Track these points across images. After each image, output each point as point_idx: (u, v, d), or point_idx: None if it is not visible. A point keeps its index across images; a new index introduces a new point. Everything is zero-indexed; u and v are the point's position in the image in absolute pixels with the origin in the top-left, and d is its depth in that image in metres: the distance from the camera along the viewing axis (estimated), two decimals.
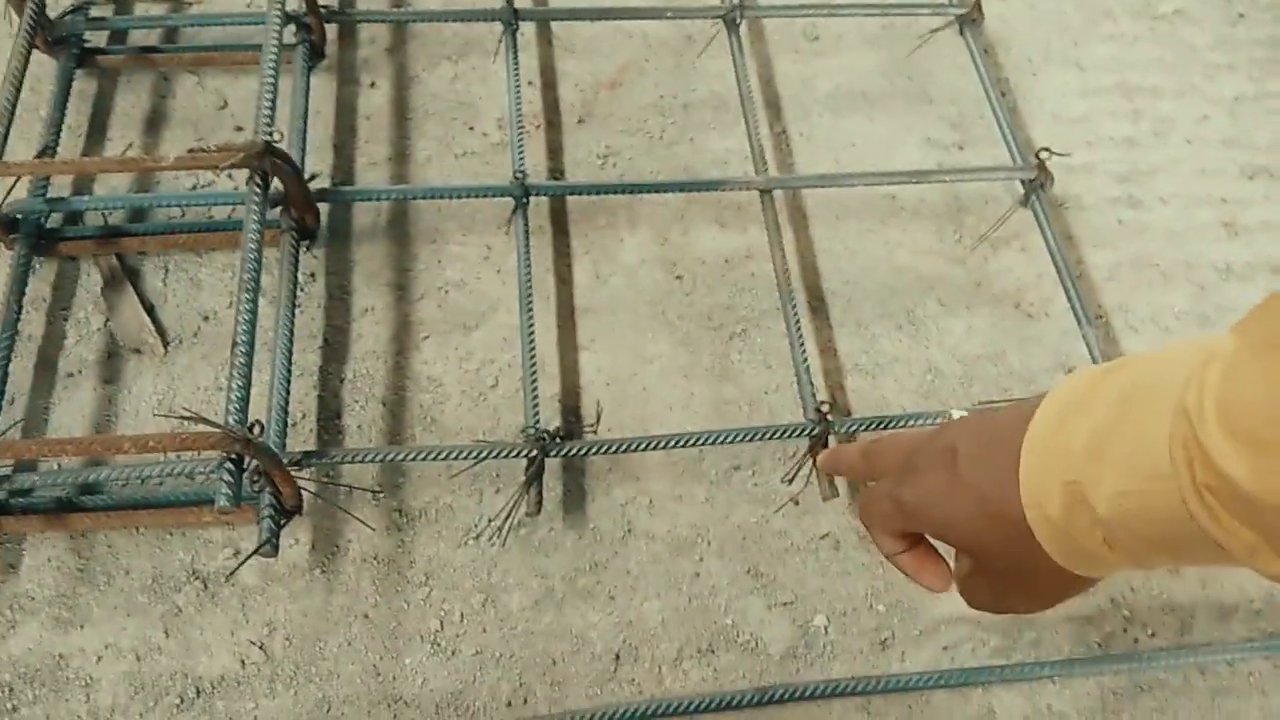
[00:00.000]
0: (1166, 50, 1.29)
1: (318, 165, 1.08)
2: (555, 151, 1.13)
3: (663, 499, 0.93)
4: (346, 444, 0.94)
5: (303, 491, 0.84)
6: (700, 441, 0.91)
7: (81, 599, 0.85)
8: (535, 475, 0.87)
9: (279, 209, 0.97)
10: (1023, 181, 1.11)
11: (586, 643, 0.87)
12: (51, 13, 1.07)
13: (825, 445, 0.91)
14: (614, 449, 0.90)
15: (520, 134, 1.05)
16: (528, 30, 1.22)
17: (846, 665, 0.87)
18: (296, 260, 0.98)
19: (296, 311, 0.95)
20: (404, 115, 1.14)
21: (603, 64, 1.20)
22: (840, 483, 0.92)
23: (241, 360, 0.80)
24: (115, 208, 1.03)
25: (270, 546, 0.79)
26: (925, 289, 1.07)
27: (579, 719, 0.82)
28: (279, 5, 1.01)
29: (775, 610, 0.89)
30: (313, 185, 0.98)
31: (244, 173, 0.90)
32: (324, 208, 1.04)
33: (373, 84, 1.16)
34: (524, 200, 1.02)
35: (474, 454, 0.88)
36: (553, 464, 0.93)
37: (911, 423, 0.94)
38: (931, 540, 0.55)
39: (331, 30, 1.15)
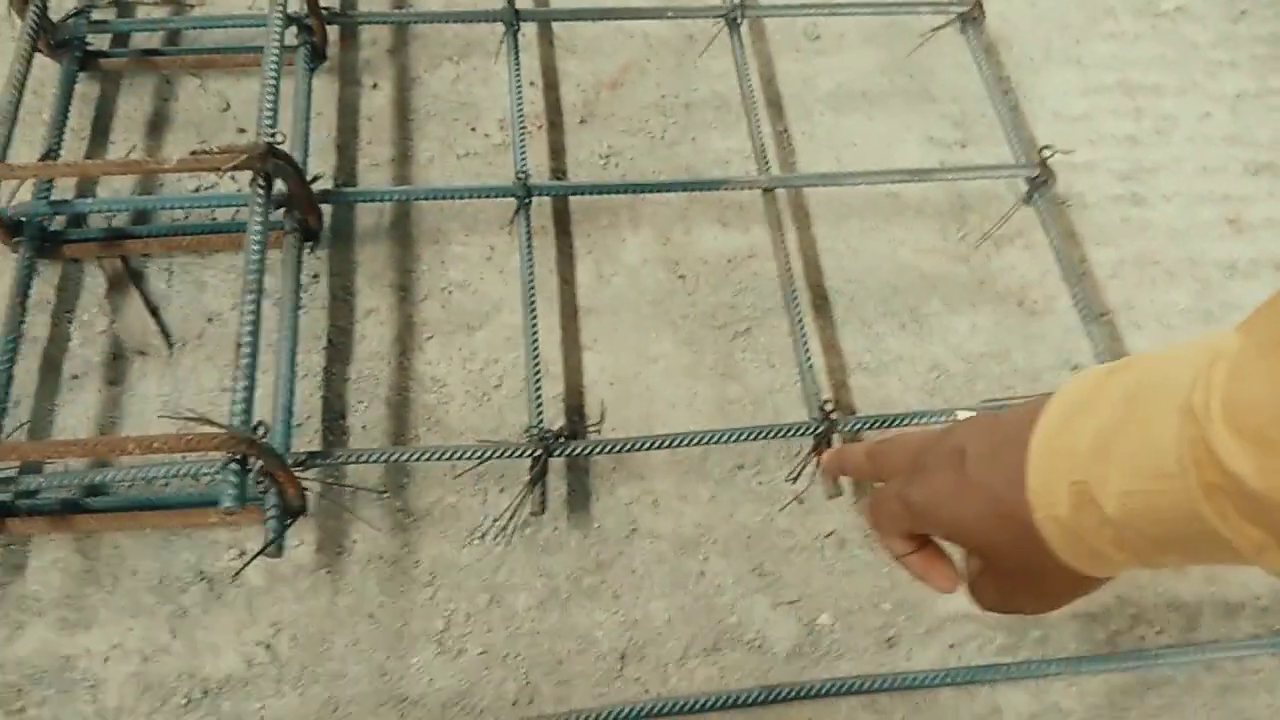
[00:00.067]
0: (1168, 48, 1.29)
1: (320, 167, 1.08)
2: (557, 152, 1.13)
3: (667, 498, 0.93)
4: (351, 445, 0.94)
5: (307, 492, 0.84)
6: (704, 440, 0.91)
7: (88, 600, 0.85)
8: (539, 475, 0.87)
9: (282, 210, 0.97)
10: (1025, 179, 1.11)
11: (592, 642, 0.87)
12: (54, 16, 1.07)
13: (829, 444, 0.91)
14: (618, 448, 0.90)
15: (522, 134, 1.05)
16: (529, 31, 1.22)
17: (852, 664, 0.87)
18: (300, 261, 0.98)
19: (300, 313, 0.95)
20: (406, 116, 1.14)
21: (604, 64, 1.20)
22: (844, 481, 0.92)
23: (246, 361, 0.80)
24: (119, 210, 1.03)
25: (276, 547, 0.79)
26: (929, 287, 1.07)
27: (585, 718, 0.82)
28: (280, 7, 1.02)
29: (780, 609, 0.89)
30: (315, 187, 0.98)
31: (247, 174, 0.90)
32: (327, 209, 1.04)
33: (375, 85, 1.16)
34: (526, 200, 1.02)
35: (478, 454, 0.88)
36: (557, 464, 0.93)
37: (916, 421, 0.94)
38: (940, 541, 0.55)
39: (333, 32, 1.16)
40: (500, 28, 1.14)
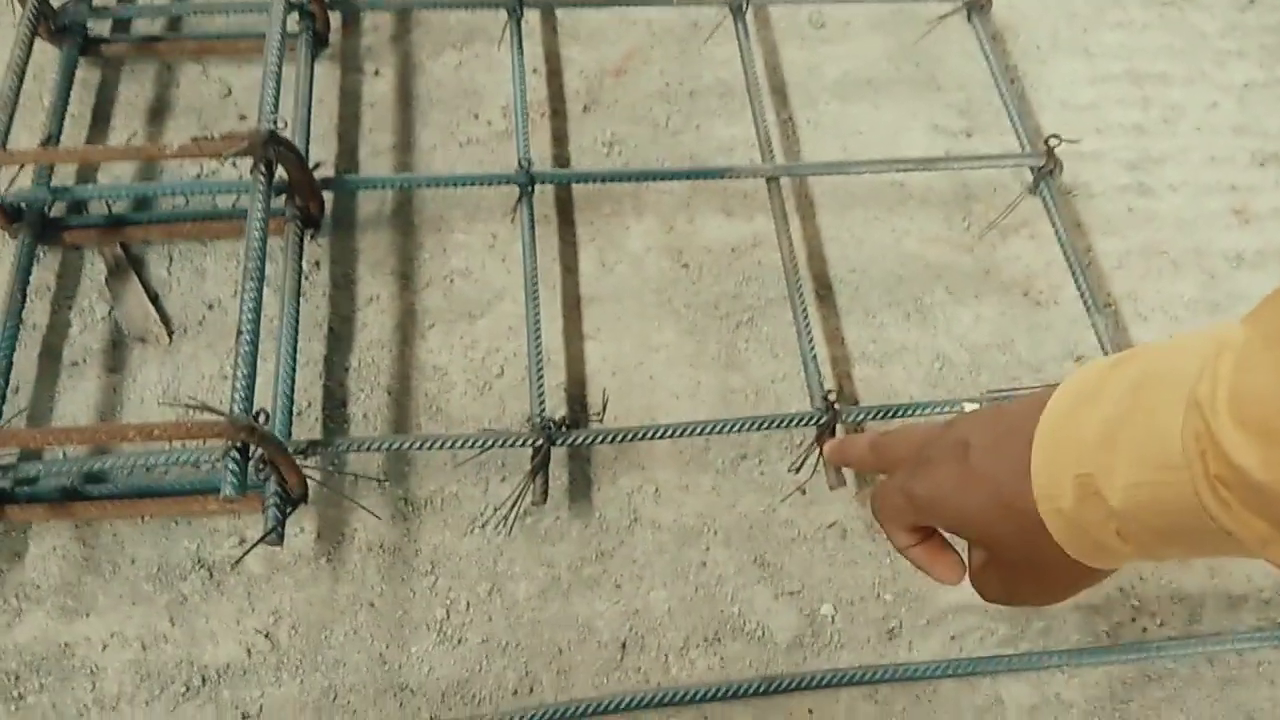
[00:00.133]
0: (1176, 37, 1.28)
1: (322, 153, 1.07)
2: (560, 139, 1.13)
3: (669, 488, 0.93)
4: (352, 433, 0.94)
5: (308, 480, 0.84)
6: (707, 430, 0.91)
7: (87, 587, 0.85)
8: (541, 464, 0.87)
9: (283, 197, 0.97)
10: (1031, 169, 1.10)
11: (593, 631, 0.86)
12: (55, 1, 1.07)
13: (832, 434, 0.90)
14: (620, 438, 0.90)
15: (525, 122, 1.05)
16: (532, 17, 1.21)
17: (854, 654, 0.87)
18: (301, 249, 0.97)
19: (301, 300, 0.95)
20: (408, 103, 1.13)
21: (608, 51, 1.20)
22: (847, 472, 0.91)
23: (246, 349, 0.80)
24: (119, 196, 1.02)
25: (276, 535, 0.79)
26: (933, 277, 1.07)
27: (585, 708, 0.82)
28: None
29: (782, 599, 0.89)
30: (317, 173, 0.97)
31: (248, 161, 0.89)
32: (328, 196, 1.03)
33: (377, 72, 1.16)
34: (529, 188, 1.01)
35: (480, 442, 0.88)
36: (558, 453, 0.92)
37: (919, 412, 0.93)
38: (944, 533, 0.55)
39: (335, 18, 1.15)
40: (503, 14, 1.14)
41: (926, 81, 1.21)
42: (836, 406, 0.90)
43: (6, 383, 0.88)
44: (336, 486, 0.91)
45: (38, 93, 1.09)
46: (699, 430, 0.90)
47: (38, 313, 0.97)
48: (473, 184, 1.03)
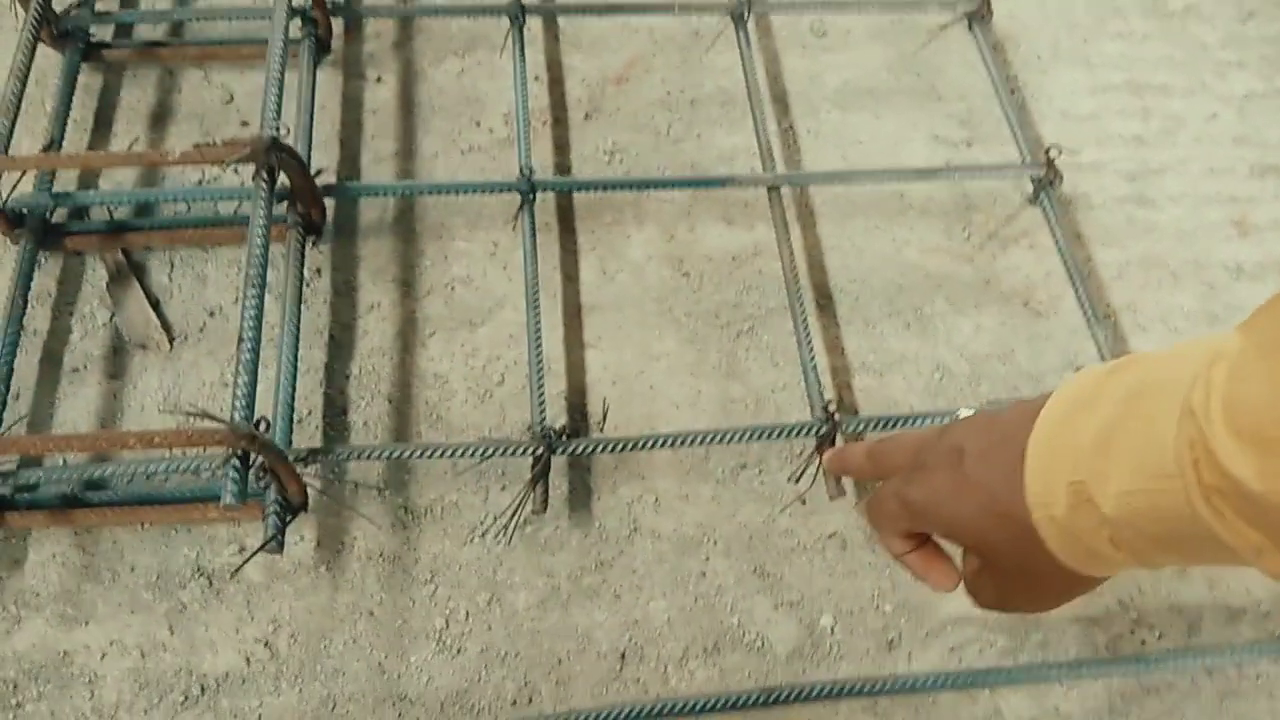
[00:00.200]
0: (1176, 48, 1.28)
1: (324, 160, 1.07)
2: (562, 147, 1.13)
3: (669, 497, 0.93)
4: (352, 441, 0.94)
5: (308, 488, 0.84)
6: (707, 440, 0.91)
7: (86, 595, 0.85)
8: (541, 473, 0.87)
9: (285, 204, 0.97)
10: (1032, 179, 1.11)
11: (592, 642, 0.86)
12: (57, 6, 1.07)
13: (832, 444, 0.91)
14: (620, 447, 0.90)
15: (527, 130, 1.05)
16: (534, 25, 1.21)
17: (853, 666, 0.87)
18: (303, 256, 0.97)
19: (302, 307, 0.95)
20: (410, 110, 1.14)
21: (610, 59, 1.20)
22: (847, 482, 0.92)
23: (247, 356, 0.80)
24: (121, 202, 1.02)
25: (276, 543, 0.79)
26: (933, 287, 1.07)
27: (584, 718, 0.82)
28: None
29: (782, 610, 0.89)
30: (319, 180, 0.97)
31: (250, 168, 0.89)
32: (330, 203, 1.03)
33: (379, 79, 1.16)
34: (530, 196, 1.01)
35: (480, 451, 0.88)
36: (558, 462, 0.92)
37: (919, 422, 0.93)
38: (939, 539, 0.55)
39: (337, 25, 1.15)
40: (505, 22, 1.14)
41: (927, 91, 1.21)
42: (836, 416, 0.90)
43: (7, 389, 0.88)
44: (336, 495, 0.90)
45: (40, 98, 1.09)
46: (699, 440, 0.90)
47: (39, 319, 0.97)
48: (474, 191, 1.04)
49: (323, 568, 0.88)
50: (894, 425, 0.93)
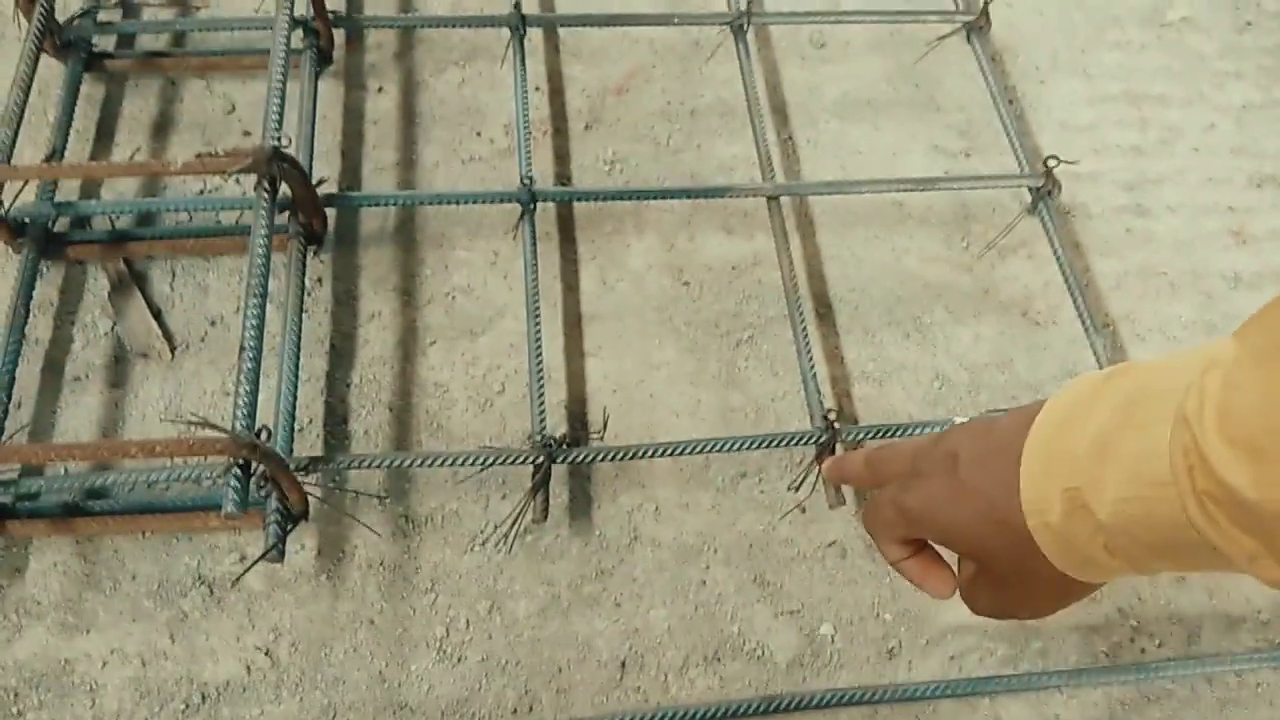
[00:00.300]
0: (1174, 58, 1.29)
1: (325, 170, 1.08)
2: (562, 157, 1.13)
3: (669, 506, 0.93)
4: (353, 449, 0.94)
5: (309, 497, 0.84)
6: (707, 449, 0.91)
7: (87, 604, 0.85)
8: (541, 482, 0.87)
9: (287, 214, 0.97)
10: (1030, 189, 1.11)
11: (592, 650, 0.87)
12: (60, 17, 1.07)
13: (832, 453, 0.91)
14: (620, 456, 0.90)
15: (527, 140, 1.05)
16: (535, 36, 1.22)
17: (853, 674, 0.87)
18: (304, 265, 0.98)
19: (304, 317, 0.95)
20: (411, 121, 1.14)
21: (610, 70, 1.20)
22: (847, 490, 0.92)
23: (249, 365, 0.80)
24: (123, 212, 1.03)
25: (277, 552, 0.79)
26: (932, 296, 1.07)
27: None
28: (287, 10, 1.01)
29: (782, 618, 0.89)
30: (320, 190, 0.98)
31: (252, 177, 0.90)
32: (331, 213, 1.04)
33: (380, 89, 1.16)
34: (531, 206, 1.01)
35: (480, 460, 0.88)
36: (559, 470, 0.93)
37: (919, 431, 0.93)
38: (936, 546, 0.55)
39: (339, 35, 1.16)
40: (506, 33, 1.14)
41: (926, 102, 1.22)
42: (836, 425, 0.91)
43: (9, 398, 0.89)
44: (337, 503, 0.91)
45: (42, 108, 1.09)
46: (699, 448, 0.91)
47: (40, 328, 0.97)
48: (475, 201, 1.04)
49: (323, 576, 0.88)
50: (893, 434, 0.93)
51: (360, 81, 1.16)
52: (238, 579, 0.86)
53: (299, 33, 1.09)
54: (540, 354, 0.93)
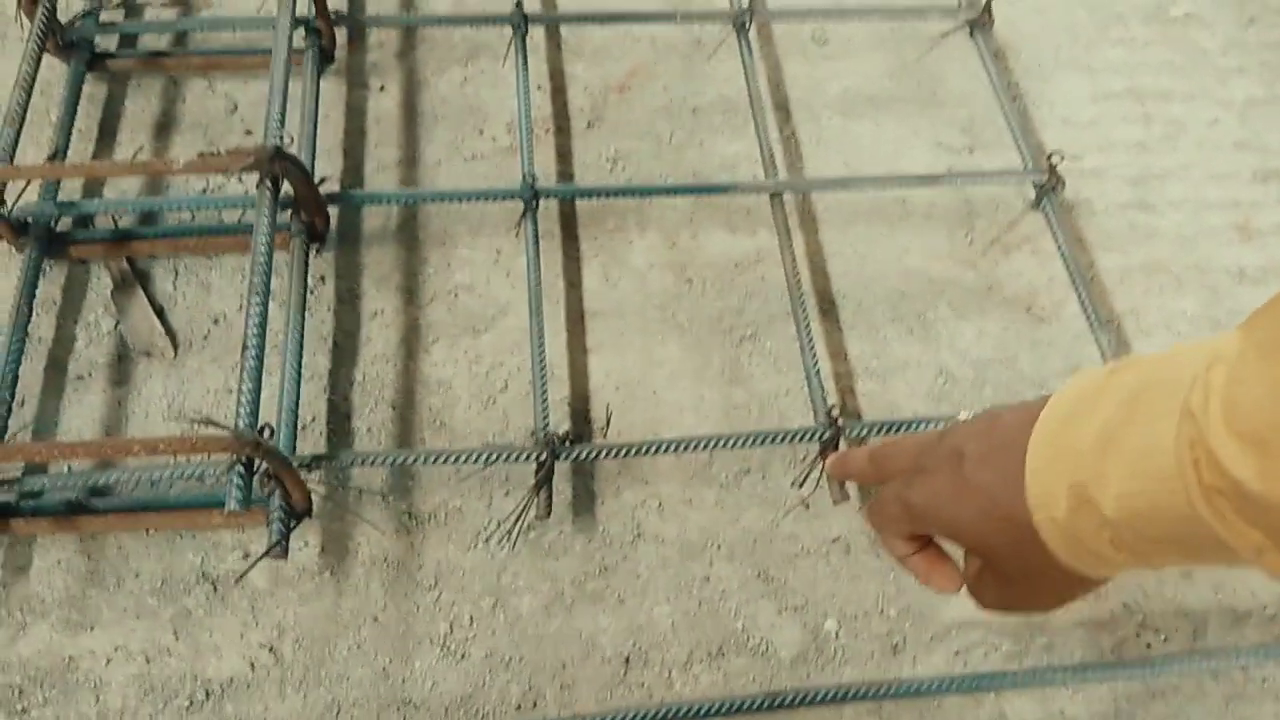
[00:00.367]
0: (1177, 54, 1.29)
1: (327, 169, 1.08)
2: (564, 155, 1.13)
3: (672, 502, 0.93)
4: (356, 447, 0.94)
5: (312, 494, 0.84)
6: (710, 445, 0.91)
7: (91, 601, 0.85)
8: (545, 479, 0.87)
9: (289, 212, 0.97)
10: (1034, 185, 1.11)
11: (596, 646, 0.86)
12: (62, 17, 1.07)
13: (836, 449, 0.91)
14: (623, 452, 0.90)
15: (529, 138, 1.05)
16: (537, 34, 1.22)
17: (857, 670, 0.87)
18: (306, 263, 0.98)
19: (306, 315, 0.95)
20: (413, 119, 1.14)
21: (612, 68, 1.20)
22: (850, 486, 0.92)
23: (252, 363, 0.80)
24: (126, 211, 1.03)
25: (280, 549, 0.79)
26: (936, 293, 1.07)
27: None
28: (289, 9, 1.02)
29: (786, 614, 0.89)
30: (322, 189, 0.98)
31: (254, 176, 0.90)
32: (334, 211, 1.04)
33: (382, 88, 1.16)
34: (533, 204, 1.01)
35: (483, 457, 0.88)
36: (562, 467, 0.93)
37: (922, 427, 0.93)
38: (941, 541, 0.55)
39: (341, 34, 1.16)
40: (508, 31, 1.15)
41: (929, 98, 1.21)
42: (839, 421, 0.91)
43: (12, 396, 0.89)
44: (340, 501, 0.91)
45: (45, 108, 1.09)
46: (702, 445, 0.91)
47: (43, 326, 0.98)
48: (477, 199, 1.04)
49: (327, 573, 0.88)
50: (897, 430, 0.93)
51: (362, 80, 1.17)
52: (241, 576, 0.86)
53: (301, 32, 1.09)
54: (543, 351, 0.93)
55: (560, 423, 0.96)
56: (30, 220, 0.98)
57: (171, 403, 0.95)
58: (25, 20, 1.04)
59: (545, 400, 0.90)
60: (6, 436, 0.87)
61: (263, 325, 0.83)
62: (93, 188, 1.07)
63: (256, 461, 0.76)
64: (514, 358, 0.99)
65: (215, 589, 0.86)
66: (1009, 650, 0.89)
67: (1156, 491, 0.37)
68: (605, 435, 0.95)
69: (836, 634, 0.88)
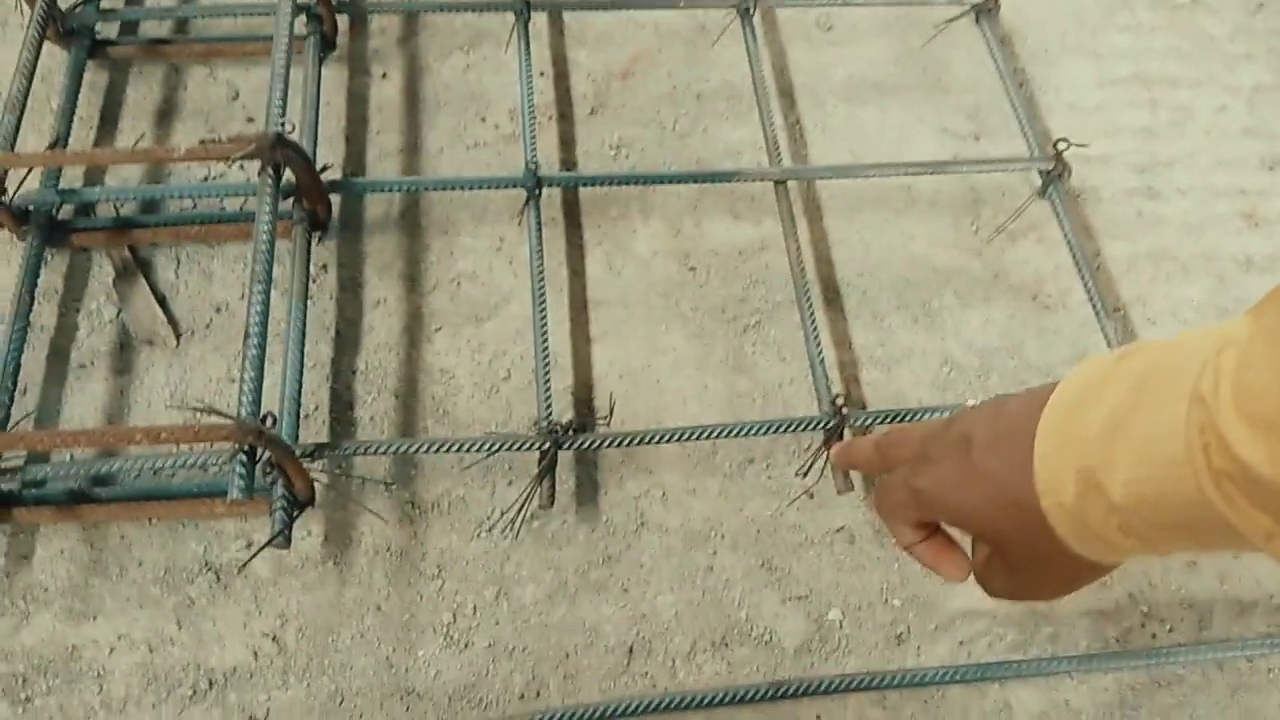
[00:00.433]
0: (1184, 40, 1.28)
1: (329, 156, 1.07)
2: (567, 142, 1.13)
3: (676, 492, 0.93)
4: (359, 436, 0.94)
5: (315, 483, 0.84)
6: (714, 434, 0.90)
7: (94, 590, 0.85)
8: (548, 468, 0.87)
9: (291, 200, 0.97)
10: (1040, 172, 1.10)
11: (599, 636, 0.86)
12: (63, 4, 1.07)
13: (840, 438, 0.90)
14: (627, 442, 0.90)
15: (532, 125, 1.05)
16: (539, 20, 1.21)
17: (861, 660, 0.87)
18: (308, 252, 0.97)
19: (308, 303, 0.95)
20: (416, 106, 1.14)
21: (615, 54, 1.20)
22: (855, 476, 0.91)
23: (254, 352, 0.80)
24: (127, 199, 1.03)
25: (283, 538, 0.79)
26: (941, 281, 1.06)
27: (592, 712, 0.81)
28: None
29: (789, 604, 0.89)
30: (324, 176, 0.97)
31: (256, 164, 0.89)
32: (336, 199, 1.03)
33: (384, 75, 1.16)
34: (536, 191, 1.01)
35: (486, 446, 0.87)
36: (565, 456, 0.92)
37: (927, 416, 0.93)
38: (948, 529, 0.55)
39: (343, 21, 1.15)
40: (510, 17, 1.14)
41: (934, 85, 1.21)
42: (844, 410, 0.90)
43: (15, 385, 0.89)
44: (343, 490, 0.90)
45: (46, 95, 1.09)
46: (706, 434, 0.90)
47: (45, 315, 0.97)
48: (480, 187, 1.03)
49: (330, 562, 0.87)
50: (902, 419, 0.93)
51: (364, 67, 1.16)
52: (244, 565, 0.86)
53: (302, 18, 1.08)
54: (546, 340, 0.92)
55: (563, 412, 0.95)
56: (31, 208, 0.98)
57: (174, 391, 0.94)
58: (25, 7, 1.03)
59: (548, 389, 0.90)
60: (9, 425, 0.87)
61: (265, 314, 0.82)
62: (94, 176, 1.06)
63: (259, 450, 0.76)
64: (517, 346, 0.99)
65: (218, 578, 0.86)
66: (1014, 640, 0.88)
67: (1165, 477, 0.37)
68: (608, 424, 0.95)
69: (840, 624, 0.88)
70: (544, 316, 0.94)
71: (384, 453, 0.89)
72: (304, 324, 0.92)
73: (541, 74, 1.17)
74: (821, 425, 0.91)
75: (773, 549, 0.91)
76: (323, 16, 1.10)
